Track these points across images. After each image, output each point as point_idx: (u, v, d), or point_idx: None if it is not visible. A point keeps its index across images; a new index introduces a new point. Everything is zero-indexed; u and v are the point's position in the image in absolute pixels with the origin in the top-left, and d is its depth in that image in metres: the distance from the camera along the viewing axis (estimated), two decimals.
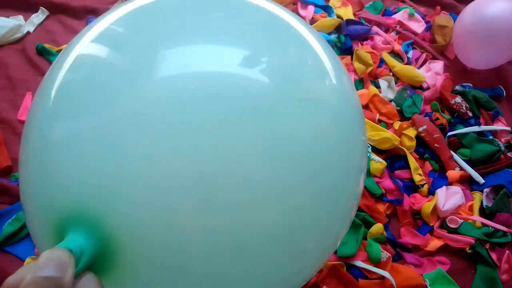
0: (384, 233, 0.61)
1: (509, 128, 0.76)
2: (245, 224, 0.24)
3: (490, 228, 0.63)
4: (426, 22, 0.93)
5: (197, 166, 0.23)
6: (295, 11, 0.92)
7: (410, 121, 0.74)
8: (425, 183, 0.66)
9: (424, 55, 0.87)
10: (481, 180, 0.68)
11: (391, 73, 0.83)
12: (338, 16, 0.92)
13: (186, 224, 0.23)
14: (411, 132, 0.72)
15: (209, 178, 0.23)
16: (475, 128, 0.74)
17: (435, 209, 0.64)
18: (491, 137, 0.74)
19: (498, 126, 0.76)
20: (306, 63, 0.30)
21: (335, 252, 0.58)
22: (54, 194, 0.24)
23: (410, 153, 0.70)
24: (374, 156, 0.68)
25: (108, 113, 0.24)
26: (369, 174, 0.67)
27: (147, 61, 0.25)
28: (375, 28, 0.90)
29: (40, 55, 0.78)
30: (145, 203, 0.23)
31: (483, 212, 0.66)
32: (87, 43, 0.28)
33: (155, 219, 0.23)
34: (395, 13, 0.95)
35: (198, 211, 0.23)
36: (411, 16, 0.93)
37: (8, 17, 0.81)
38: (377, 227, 0.60)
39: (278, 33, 0.31)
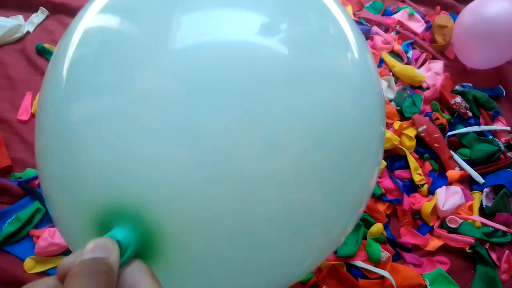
0: (384, 233, 0.61)
1: (509, 128, 0.76)
2: (247, 207, 0.24)
3: (490, 228, 0.63)
4: (426, 22, 0.93)
5: (211, 145, 0.22)
6: None
7: (410, 121, 0.74)
8: (425, 183, 0.66)
9: (424, 55, 0.87)
10: (481, 180, 0.68)
11: (391, 73, 0.83)
12: None
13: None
14: (411, 132, 0.72)
15: (221, 156, 0.22)
16: (475, 128, 0.74)
17: (435, 209, 0.64)
18: (491, 137, 0.74)
19: (498, 126, 0.76)
20: (327, 33, 0.27)
21: (335, 252, 0.57)
22: (89, 191, 0.24)
23: (410, 153, 0.70)
24: None
25: (125, 93, 0.22)
26: None
27: (162, 29, 0.23)
28: (375, 28, 0.90)
29: (40, 55, 0.78)
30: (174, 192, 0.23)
31: (483, 212, 0.66)
32: (95, 15, 0.26)
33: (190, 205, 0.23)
34: (395, 13, 0.95)
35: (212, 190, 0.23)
36: (411, 16, 0.93)
37: (8, 17, 0.81)
38: (377, 227, 0.60)
39: None
